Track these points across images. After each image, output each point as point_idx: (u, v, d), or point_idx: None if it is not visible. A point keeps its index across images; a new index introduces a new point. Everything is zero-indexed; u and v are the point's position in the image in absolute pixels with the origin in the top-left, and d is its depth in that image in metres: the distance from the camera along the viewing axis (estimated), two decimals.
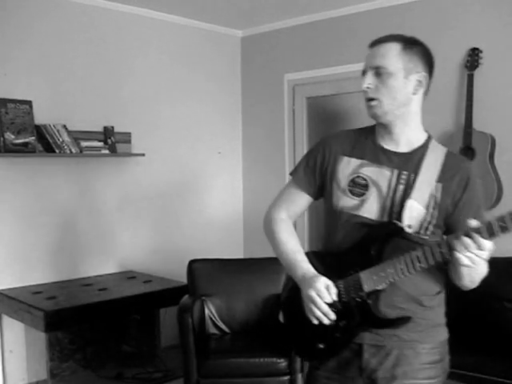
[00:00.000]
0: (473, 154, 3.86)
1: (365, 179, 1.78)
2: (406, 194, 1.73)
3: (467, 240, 1.52)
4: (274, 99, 5.19)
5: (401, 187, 1.75)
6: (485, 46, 3.90)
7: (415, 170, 1.75)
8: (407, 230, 1.70)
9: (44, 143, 3.96)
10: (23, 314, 3.62)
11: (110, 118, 4.44)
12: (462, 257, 1.54)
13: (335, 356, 1.85)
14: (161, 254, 4.79)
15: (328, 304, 1.70)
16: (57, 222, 4.21)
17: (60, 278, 4.20)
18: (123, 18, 4.56)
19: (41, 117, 3.99)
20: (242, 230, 5.40)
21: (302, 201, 1.96)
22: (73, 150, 4.04)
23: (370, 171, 1.79)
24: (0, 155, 3.81)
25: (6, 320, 3.93)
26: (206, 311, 3.91)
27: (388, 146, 1.82)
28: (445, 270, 1.78)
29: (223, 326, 3.91)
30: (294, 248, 1.88)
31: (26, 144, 3.85)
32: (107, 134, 4.34)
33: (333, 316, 1.71)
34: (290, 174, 2.01)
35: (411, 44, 1.78)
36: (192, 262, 4.04)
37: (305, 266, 1.80)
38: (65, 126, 4.05)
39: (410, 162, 1.77)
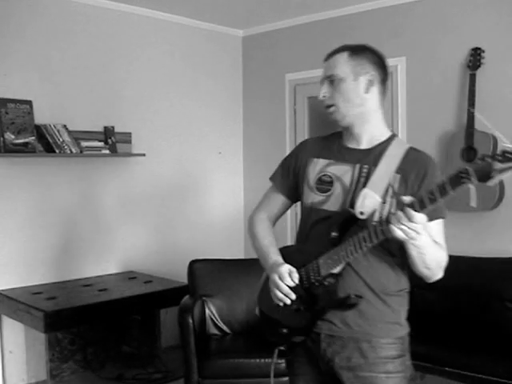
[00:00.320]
0: (475, 154, 3.85)
1: (330, 177, 1.91)
2: (364, 185, 1.86)
3: (399, 213, 1.61)
4: (275, 99, 5.18)
5: (362, 180, 1.87)
6: (487, 45, 3.89)
7: (375, 163, 1.86)
8: (359, 216, 1.80)
9: (44, 143, 3.95)
10: (23, 315, 3.61)
11: (111, 117, 4.43)
12: (395, 229, 1.62)
13: (298, 341, 1.96)
14: (161, 255, 4.78)
15: (290, 288, 1.84)
16: (57, 223, 4.20)
17: (60, 279, 4.19)
18: (124, 18, 4.55)
19: (41, 117, 3.98)
20: (243, 230, 5.38)
21: (278, 202, 2.11)
22: (73, 150, 4.03)
23: (334, 169, 1.92)
24: (0, 155, 3.80)
25: (6, 320, 3.92)
26: (207, 311, 3.90)
27: (351, 144, 1.95)
28: (406, 270, 1.91)
29: (224, 327, 3.90)
30: (268, 243, 2.04)
31: (26, 144, 3.84)
32: (107, 134, 4.33)
33: (293, 296, 1.84)
34: (270, 178, 2.16)
35: (358, 50, 1.94)
36: (193, 263, 4.03)
37: (274, 258, 1.96)
38: (65, 126, 4.04)
39: (370, 157, 1.88)
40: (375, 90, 1.90)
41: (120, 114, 4.51)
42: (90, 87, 4.35)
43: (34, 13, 4.05)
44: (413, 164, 1.84)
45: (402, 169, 1.83)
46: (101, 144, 4.28)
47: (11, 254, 3.98)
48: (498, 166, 1.42)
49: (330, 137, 2.05)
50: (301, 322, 1.91)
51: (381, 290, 1.86)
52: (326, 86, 1.92)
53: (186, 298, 3.85)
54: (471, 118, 3.85)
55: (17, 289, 3.94)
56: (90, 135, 4.24)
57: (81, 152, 4.11)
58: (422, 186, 1.80)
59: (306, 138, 5.00)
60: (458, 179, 1.50)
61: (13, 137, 3.78)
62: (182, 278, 4.09)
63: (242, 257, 5.21)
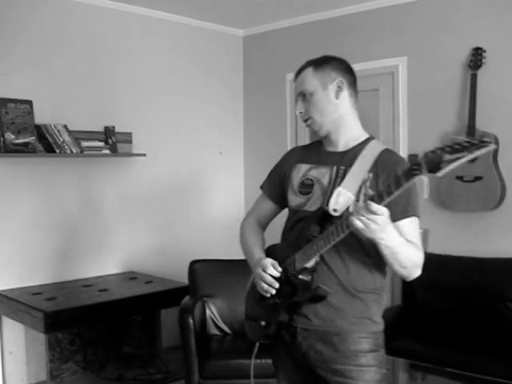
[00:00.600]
0: None
1: (311, 180, 2.03)
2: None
3: (359, 204, 1.72)
4: (275, 99, 5.17)
5: (338, 180, 1.97)
6: (488, 45, 3.88)
7: (351, 164, 1.96)
8: (333, 213, 1.89)
9: (44, 143, 3.95)
10: (23, 315, 3.60)
11: (111, 117, 4.42)
12: (355, 219, 1.68)
13: (275, 334, 2.06)
14: (162, 255, 4.77)
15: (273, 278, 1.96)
16: (57, 223, 4.19)
17: (60, 279, 4.18)
18: (124, 18, 4.54)
19: (41, 117, 3.97)
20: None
21: (267, 207, 2.25)
22: (73, 150, 4.02)
23: (315, 172, 2.04)
24: (0, 155, 3.79)
25: (6, 321, 3.91)
26: (207, 312, 3.90)
27: (330, 148, 2.07)
28: (384, 271, 2.01)
29: (224, 327, 3.89)
30: (253, 243, 2.20)
31: (26, 144, 3.83)
32: (108, 134, 4.32)
33: (276, 285, 1.95)
34: (260, 187, 2.30)
35: (321, 63, 2.03)
36: (193, 263, 4.02)
37: (258, 255, 2.11)
38: (65, 126, 4.03)
39: (347, 158, 1.98)
40: (345, 94, 2.02)
41: (120, 113, 4.50)
42: (90, 87, 4.34)
43: (35, 13, 4.04)
44: (385, 164, 1.92)
45: (375, 169, 1.92)
46: (101, 144, 4.27)
47: (11, 254, 3.97)
48: (447, 157, 1.48)
49: (312, 144, 2.20)
50: (278, 315, 2.01)
51: (354, 287, 1.95)
52: (300, 103, 2.04)
53: (187, 298, 3.85)
54: (472, 117, 3.85)
55: (17, 289, 3.93)
56: (90, 135, 4.23)
57: (81, 152, 4.10)
58: (393, 188, 1.83)
59: (307, 137, 5.03)
60: (410, 171, 1.56)
61: (13, 137, 3.78)
62: (183, 278, 4.09)
63: (242, 257, 5.19)
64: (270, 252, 2.12)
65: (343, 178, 1.94)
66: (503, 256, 3.79)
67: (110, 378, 4.13)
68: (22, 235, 4.02)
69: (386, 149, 1.99)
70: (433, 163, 1.51)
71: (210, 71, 5.17)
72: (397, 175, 1.63)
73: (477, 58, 3.89)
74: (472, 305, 3.77)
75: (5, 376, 3.96)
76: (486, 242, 3.95)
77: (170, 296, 4.01)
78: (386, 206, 1.78)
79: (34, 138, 3.87)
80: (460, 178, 3.91)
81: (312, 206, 2.00)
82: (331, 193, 1.94)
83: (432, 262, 4.00)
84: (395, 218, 1.82)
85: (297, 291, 1.94)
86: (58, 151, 3.95)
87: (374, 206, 1.64)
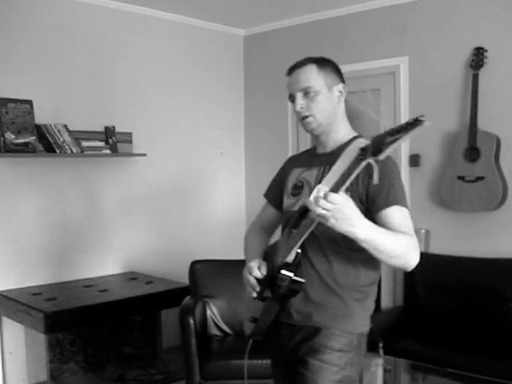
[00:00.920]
0: (478, 154, 3.83)
1: (302, 182, 2.09)
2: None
3: (314, 192, 1.69)
4: (276, 98, 5.16)
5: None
6: (490, 45, 3.87)
7: (334, 162, 1.94)
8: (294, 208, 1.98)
9: (45, 143, 3.94)
10: (23, 316, 3.59)
11: (111, 117, 4.41)
12: (313, 209, 1.66)
13: (264, 329, 2.07)
14: (162, 255, 4.76)
15: (259, 280, 2.02)
16: (57, 223, 4.18)
17: (60, 279, 4.17)
18: (125, 17, 4.53)
19: (41, 116, 3.96)
20: (245, 230, 5.33)
21: (270, 212, 2.31)
22: (74, 150, 4.02)
23: (306, 174, 2.09)
24: (0, 155, 3.78)
25: (6, 321, 3.90)
26: (208, 312, 3.89)
27: (320, 150, 2.11)
28: (372, 268, 1.99)
29: (225, 328, 3.88)
30: (251, 249, 2.29)
31: (26, 144, 3.82)
32: (108, 134, 4.31)
33: (257, 288, 2.02)
34: (263, 195, 2.36)
35: (323, 62, 2.05)
36: (194, 263, 4.01)
37: (251, 258, 2.16)
38: (66, 126, 4.03)
39: (332, 157, 1.97)
40: (343, 100, 2.08)
41: (121, 113, 4.50)
42: (90, 87, 4.33)
43: (35, 12, 4.04)
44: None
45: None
46: (101, 144, 4.26)
47: (11, 254, 3.96)
48: (388, 139, 1.52)
49: (308, 150, 2.26)
50: (269, 311, 2.02)
51: (335, 283, 1.96)
52: (300, 98, 2.03)
53: (188, 298, 3.84)
54: (474, 117, 3.84)
55: (16, 289, 3.93)
56: (90, 135, 4.22)
57: (81, 152, 4.09)
58: (370, 183, 1.88)
59: (308, 137, 5.01)
60: (358, 158, 1.60)
61: (13, 137, 3.77)
62: (184, 278, 4.08)
63: (243, 257, 5.18)
64: (266, 252, 2.19)
65: None
66: (505, 256, 3.78)
67: (110, 379, 4.12)
68: (22, 235, 4.01)
69: None
70: (376, 146, 1.54)
71: (211, 71, 5.16)
72: (349, 164, 1.64)
73: (478, 58, 3.88)
74: (473, 305, 3.76)
75: (5, 376, 3.96)
76: (487, 243, 3.94)
77: (171, 296, 4.00)
78: (369, 200, 1.88)
79: (34, 137, 3.86)
80: (461, 178, 3.90)
81: (299, 207, 2.03)
82: None
83: (433, 262, 4.02)
84: (378, 209, 1.86)
85: (278, 286, 1.96)
86: (58, 151, 3.94)
87: (330, 196, 1.63)
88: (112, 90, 4.47)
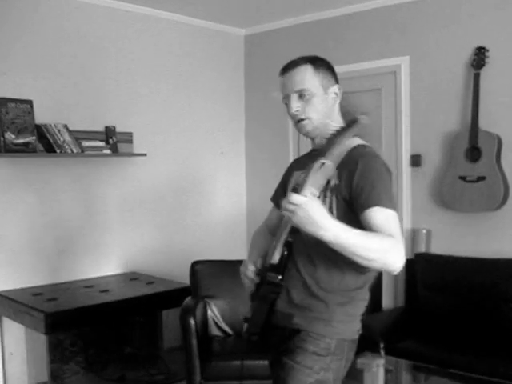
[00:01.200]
0: (479, 154, 3.82)
1: (298, 184, 2.00)
2: None
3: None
4: (277, 98, 5.15)
5: None
6: (491, 44, 3.87)
7: None
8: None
9: (45, 143, 3.93)
10: (23, 316, 3.58)
11: (112, 117, 4.40)
12: (282, 210, 1.72)
13: (258, 329, 2.06)
14: (163, 255, 4.76)
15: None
16: (57, 223, 4.18)
17: (61, 280, 4.17)
18: (125, 17, 4.52)
19: (41, 116, 3.95)
20: (246, 230, 5.36)
21: (274, 214, 2.28)
22: (74, 150, 4.01)
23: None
24: (0, 155, 3.77)
25: (7, 322, 3.89)
26: (209, 313, 3.88)
27: (315, 151, 2.05)
28: (360, 271, 1.91)
29: (226, 328, 3.88)
30: (253, 247, 2.27)
31: (26, 144, 3.81)
32: (109, 134, 4.30)
33: (256, 281, 2.02)
34: (270, 199, 2.36)
35: (318, 63, 2.00)
36: (195, 264, 4.01)
37: (250, 256, 2.17)
38: (66, 126, 4.02)
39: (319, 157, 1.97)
40: (338, 101, 2.04)
41: (121, 113, 4.49)
42: (90, 86, 4.32)
43: (35, 12, 4.03)
44: (349, 160, 1.87)
45: (341, 165, 1.85)
46: (102, 144, 4.25)
47: (11, 254, 3.96)
48: (334, 139, 1.63)
49: (310, 151, 2.22)
50: (259, 312, 2.03)
51: (318, 286, 1.93)
52: (295, 100, 1.98)
53: (188, 299, 3.83)
54: (475, 117, 3.83)
55: (17, 290, 3.92)
56: (90, 135, 4.22)
57: (82, 152, 4.08)
58: (353, 182, 1.85)
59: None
60: (312, 160, 1.69)
61: (13, 136, 3.76)
62: (184, 279, 4.07)
63: (244, 258, 5.17)
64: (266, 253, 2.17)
65: None
66: (506, 256, 3.77)
67: (111, 379, 4.11)
68: (22, 235, 4.00)
69: (360, 145, 1.95)
70: (326, 147, 1.62)
71: (212, 70, 5.15)
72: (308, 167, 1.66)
73: (480, 58, 3.87)
74: (475, 305, 3.76)
75: (6, 377, 3.95)
76: (489, 243, 3.93)
77: (172, 297, 4.00)
78: (352, 200, 1.84)
79: (34, 137, 3.85)
80: (463, 178, 3.89)
81: None
82: None
83: (435, 262, 4.02)
84: (359, 210, 1.82)
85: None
86: (58, 151, 3.94)
87: (292, 197, 1.66)
88: (112, 90, 4.46)
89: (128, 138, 4.47)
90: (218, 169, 5.24)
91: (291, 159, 4.99)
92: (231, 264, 4.03)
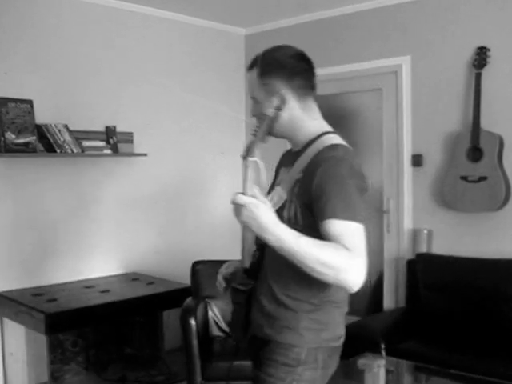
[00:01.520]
0: (480, 154, 3.81)
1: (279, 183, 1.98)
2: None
3: None
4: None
5: None
6: (493, 44, 3.86)
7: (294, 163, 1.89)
8: None
9: (45, 143, 3.92)
10: (24, 317, 3.58)
11: (112, 117, 4.40)
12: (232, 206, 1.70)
13: (240, 335, 2.02)
14: (164, 256, 4.75)
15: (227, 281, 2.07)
16: (57, 223, 4.17)
17: (61, 280, 4.16)
18: (126, 17, 4.51)
19: (42, 116, 3.95)
20: None
21: None
22: (74, 150, 4.00)
23: (283, 174, 1.99)
24: (0, 155, 3.76)
25: (7, 322, 3.88)
26: (210, 313, 3.87)
27: (294, 148, 1.99)
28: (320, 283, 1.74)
29: (227, 328, 3.86)
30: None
31: (26, 144, 3.81)
32: (109, 134, 4.30)
33: (223, 285, 2.10)
34: None
35: (267, 69, 1.89)
36: (195, 264, 4.00)
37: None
38: (66, 126, 4.01)
39: (296, 158, 1.89)
40: (291, 105, 1.88)
41: (122, 113, 4.48)
42: (91, 86, 4.31)
43: (35, 12, 4.02)
44: (313, 164, 1.77)
45: (306, 168, 1.79)
46: (102, 144, 4.24)
47: (12, 254, 3.95)
48: (254, 138, 1.68)
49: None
50: (236, 317, 2.00)
51: (285, 294, 1.83)
52: (252, 105, 1.95)
53: (189, 299, 3.82)
54: (477, 117, 3.82)
55: (17, 290, 3.91)
56: (91, 135, 4.21)
57: (82, 152, 4.08)
58: (312, 190, 1.72)
59: None
60: (244, 160, 1.72)
61: (13, 136, 3.75)
62: (185, 279, 4.07)
63: None
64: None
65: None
66: (508, 257, 3.76)
67: (112, 380, 4.11)
68: (22, 235, 3.99)
69: (331, 145, 1.80)
70: (248, 148, 1.66)
71: (212, 70, 5.14)
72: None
73: (481, 57, 3.86)
74: (476, 306, 3.75)
75: (6, 378, 3.94)
76: (490, 243, 3.92)
77: (172, 297, 3.99)
78: (310, 207, 1.72)
79: (34, 137, 3.84)
80: (464, 178, 3.88)
81: None
82: None
83: (436, 262, 4.01)
84: (318, 221, 1.68)
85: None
86: (58, 151, 3.93)
87: (235, 197, 1.66)
88: (113, 90, 4.45)
89: (128, 137, 4.46)
90: (219, 169, 5.23)
91: None
92: None
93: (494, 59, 3.84)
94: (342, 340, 1.92)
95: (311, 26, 4.87)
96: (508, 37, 3.83)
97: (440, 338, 3.73)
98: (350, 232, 1.64)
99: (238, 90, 5.39)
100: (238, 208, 1.66)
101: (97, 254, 4.39)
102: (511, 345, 3.49)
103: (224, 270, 2.09)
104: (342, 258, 1.59)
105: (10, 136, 3.74)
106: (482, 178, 3.81)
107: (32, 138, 3.83)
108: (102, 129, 4.32)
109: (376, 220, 4.58)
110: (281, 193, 1.84)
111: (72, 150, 3.99)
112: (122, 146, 4.38)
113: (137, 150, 4.52)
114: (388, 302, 4.46)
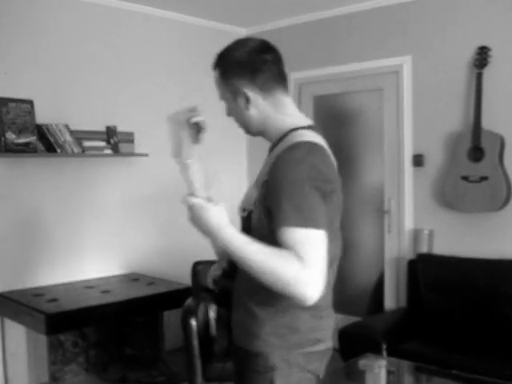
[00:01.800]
0: (482, 153, 3.81)
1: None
2: None
3: None
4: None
5: None
6: (494, 44, 3.86)
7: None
8: (241, 213, 1.86)
9: (45, 143, 3.92)
10: (24, 317, 3.57)
11: (113, 117, 4.39)
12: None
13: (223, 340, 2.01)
14: (165, 256, 4.74)
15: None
16: (58, 223, 4.16)
17: (62, 280, 4.15)
18: (126, 17, 4.51)
19: (42, 116, 3.94)
20: None
21: None
22: (75, 150, 4.00)
23: None
24: (1, 155, 3.76)
25: (8, 323, 3.88)
26: (211, 314, 3.86)
27: (270, 147, 1.89)
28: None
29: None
30: None
31: (27, 144, 3.80)
32: (110, 134, 4.29)
33: (211, 287, 1.99)
34: None
35: (227, 70, 1.85)
36: (196, 264, 3.99)
37: None
38: (67, 126, 4.01)
39: (268, 156, 1.85)
40: (257, 102, 1.81)
41: (122, 113, 4.48)
42: (91, 86, 4.31)
43: (35, 11, 4.02)
44: (274, 164, 1.68)
45: (271, 166, 1.69)
46: (103, 144, 4.24)
47: (12, 255, 3.95)
48: None
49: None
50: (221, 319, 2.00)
51: (249, 298, 1.75)
52: (225, 104, 1.95)
53: (190, 299, 3.81)
54: (478, 117, 3.81)
55: (18, 291, 3.91)
56: (91, 135, 4.21)
57: (83, 152, 4.07)
58: (266, 194, 1.66)
59: None
60: (181, 162, 1.70)
61: (14, 136, 3.75)
62: (186, 279, 4.05)
63: None
64: None
65: None
66: (509, 257, 3.76)
67: (112, 380, 4.10)
68: (23, 235, 3.99)
69: (294, 143, 1.68)
70: (178, 149, 1.63)
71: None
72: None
73: (482, 57, 3.85)
74: (477, 306, 3.74)
75: (6, 378, 3.94)
76: (491, 243, 3.92)
77: (173, 297, 3.99)
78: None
79: (35, 137, 3.84)
80: (465, 178, 3.88)
81: None
82: None
83: (437, 262, 4.00)
84: (274, 228, 1.58)
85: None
86: (59, 151, 3.93)
87: (183, 198, 1.64)
88: (113, 90, 4.45)
89: (129, 137, 4.45)
90: (219, 169, 5.22)
91: None
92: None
93: (494, 59, 3.84)
94: (324, 344, 1.78)
95: (312, 26, 4.86)
96: (509, 36, 3.83)
97: (441, 338, 3.73)
98: (304, 240, 1.52)
99: None
100: (187, 208, 1.64)
101: (97, 254, 4.38)
102: None
103: (212, 272, 2.02)
104: (292, 269, 1.49)
105: (11, 136, 3.73)
106: (483, 178, 3.81)
107: (32, 138, 3.83)
108: (102, 129, 4.31)
109: (377, 220, 4.58)
110: (253, 192, 1.79)
111: (72, 150, 3.98)
112: (122, 146, 4.37)
113: (137, 150, 4.51)
114: (389, 303, 4.45)
